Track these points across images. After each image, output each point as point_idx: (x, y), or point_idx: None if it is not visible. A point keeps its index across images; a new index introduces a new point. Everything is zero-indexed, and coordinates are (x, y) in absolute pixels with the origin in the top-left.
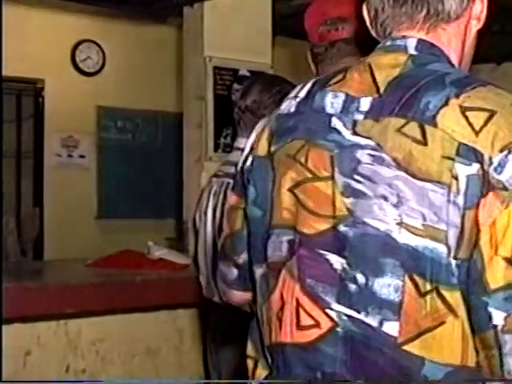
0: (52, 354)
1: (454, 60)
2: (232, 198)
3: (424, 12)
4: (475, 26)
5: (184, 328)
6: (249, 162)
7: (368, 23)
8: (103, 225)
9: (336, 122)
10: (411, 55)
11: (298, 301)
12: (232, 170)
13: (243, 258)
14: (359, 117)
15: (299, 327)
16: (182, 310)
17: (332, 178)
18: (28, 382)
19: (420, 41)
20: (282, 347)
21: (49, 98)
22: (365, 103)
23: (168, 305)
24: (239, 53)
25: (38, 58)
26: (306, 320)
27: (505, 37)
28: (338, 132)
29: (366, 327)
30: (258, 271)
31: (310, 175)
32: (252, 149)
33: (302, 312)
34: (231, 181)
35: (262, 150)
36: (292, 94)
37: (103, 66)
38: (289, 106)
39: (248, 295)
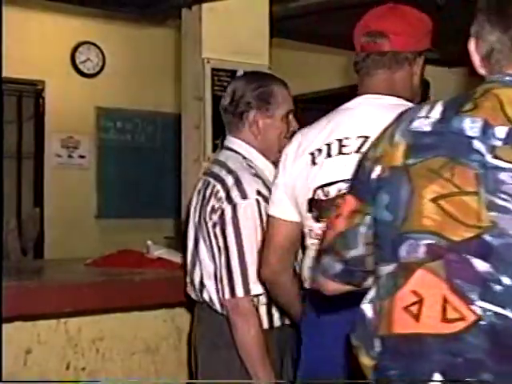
0: (52, 352)
1: None
2: (351, 201)
3: None
4: None
5: (183, 326)
6: (379, 171)
7: (476, 56)
8: (103, 224)
9: (477, 145)
10: None
11: (445, 298)
12: (220, 170)
13: (352, 254)
14: (497, 143)
15: (445, 320)
16: (181, 308)
17: (477, 193)
18: (28, 382)
19: None
20: (417, 338)
21: (49, 99)
22: (500, 132)
23: (167, 303)
24: (237, 54)
25: (39, 59)
26: (452, 314)
27: None
28: (480, 154)
29: (507, 320)
30: (385, 269)
31: (456, 189)
32: (379, 159)
33: (448, 307)
34: (216, 183)
35: (397, 161)
36: (422, 114)
37: (103, 67)
38: (422, 124)
39: (346, 288)
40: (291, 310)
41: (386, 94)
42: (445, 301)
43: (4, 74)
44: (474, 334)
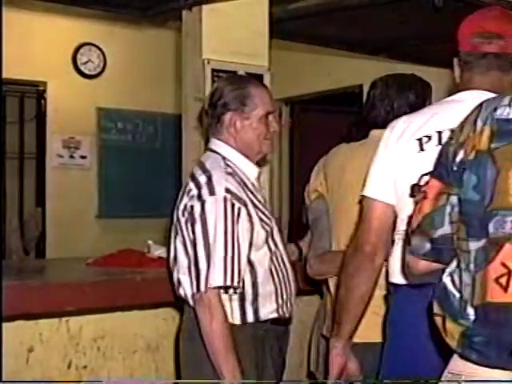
0: (54, 351)
1: None
2: (435, 184)
3: None
4: None
5: None
6: (462, 155)
7: None
8: (104, 224)
9: None
10: None
11: None
12: (196, 170)
13: (439, 232)
14: None
15: None
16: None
17: None
18: (28, 382)
19: None
20: (506, 307)
21: (51, 100)
22: None
23: (167, 302)
24: (237, 55)
25: (41, 61)
26: None
27: None
28: None
29: None
30: (474, 245)
31: None
32: (462, 144)
33: None
34: (190, 182)
35: (483, 145)
36: (505, 102)
37: (104, 68)
38: (505, 112)
39: (437, 266)
40: (356, 308)
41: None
42: None
43: (6, 75)
44: None
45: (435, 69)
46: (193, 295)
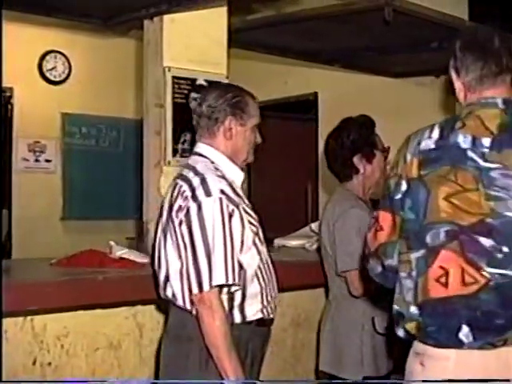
0: (19, 348)
1: None
2: (386, 216)
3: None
4: None
5: (144, 323)
6: (404, 185)
7: (458, 84)
8: (68, 226)
9: (470, 154)
10: (502, 109)
11: (462, 268)
12: (188, 172)
13: (389, 262)
14: (485, 150)
15: (464, 284)
16: (142, 306)
17: (477, 189)
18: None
19: (504, 100)
20: (447, 300)
21: (17, 106)
22: (486, 142)
23: (129, 301)
24: (197, 63)
25: (7, 67)
26: (468, 279)
27: (442, 52)
28: (474, 160)
29: (509, 278)
30: (414, 255)
31: (460, 188)
32: (401, 176)
33: (465, 275)
34: (183, 183)
35: (414, 173)
36: (426, 135)
37: (69, 75)
38: (427, 144)
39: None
40: None
41: None
42: (462, 270)
43: None
44: (486, 292)
45: (385, 78)
46: (185, 296)
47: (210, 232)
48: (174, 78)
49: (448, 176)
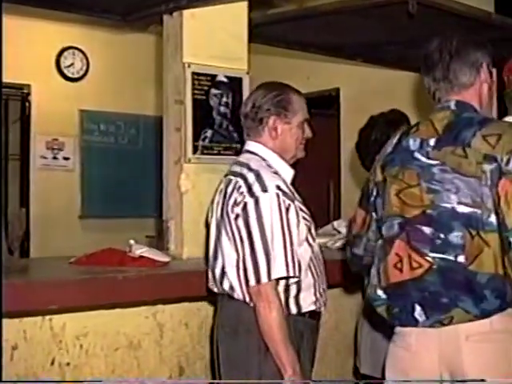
0: (38, 348)
1: (477, 106)
2: (361, 212)
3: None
4: (487, 87)
5: (164, 322)
6: (374, 188)
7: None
8: (86, 224)
9: (417, 154)
10: (453, 110)
11: (409, 255)
12: (241, 169)
13: (355, 250)
14: (429, 149)
15: (412, 269)
16: (162, 305)
17: (419, 185)
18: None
19: (457, 101)
20: (403, 283)
21: (35, 103)
22: (432, 141)
23: (149, 300)
24: (217, 59)
25: (25, 64)
26: (415, 264)
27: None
28: (418, 159)
29: (448, 261)
30: (378, 244)
31: (406, 185)
32: (373, 180)
33: (412, 261)
34: (238, 179)
35: (380, 177)
36: (390, 141)
37: (87, 71)
38: (387, 149)
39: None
40: None
41: None
42: (409, 256)
43: None
44: (430, 275)
45: (408, 73)
46: (243, 288)
47: (268, 226)
48: (193, 74)
49: (398, 175)
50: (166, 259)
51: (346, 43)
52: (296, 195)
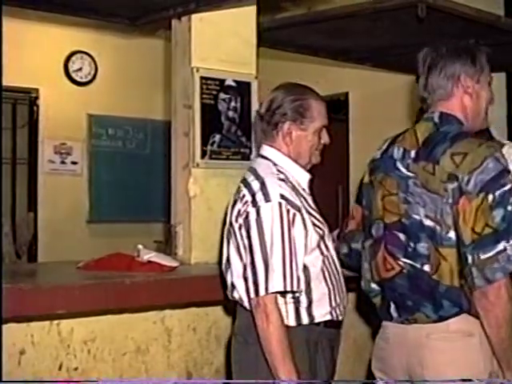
0: (45, 353)
1: (462, 117)
2: (358, 209)
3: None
4: (469, 98)
5: (172, 328)
6: (365, 188)
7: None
8: (94, 229)
9: (399, 164)
10: (435, 123)
11: (384, 257)
12: (249, 176)
13: (353, 246)
14: (410, 161)
15: (386, 270)
16: (170, 310)
17: (397, 194)
18: (29, 382)
19: (441, 113)
20: (385, 280)
21: (43, 107)
22: (413, 153)
23: (156, 305)
24: (225, 63)
25: (33, 68)
26: (388, 266)
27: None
28: (399, 170)
29: (415, 268)
30: (367, 243)
31: (387, 192)
32: (363, 182)
33: (386, 263)
34: (244, 188)
35: (367, 180)
36: (379, 148)
37: (95, 76)
38: (376, 155)
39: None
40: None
41: None
42: (384, 259)
43: None
44: (400, 278)
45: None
46: (249, 299)
47: (268, 237)
48: (202, 78)
49: (382, 182)
50: (174, 264)
51: (354, 47)
52: (309, 202)
